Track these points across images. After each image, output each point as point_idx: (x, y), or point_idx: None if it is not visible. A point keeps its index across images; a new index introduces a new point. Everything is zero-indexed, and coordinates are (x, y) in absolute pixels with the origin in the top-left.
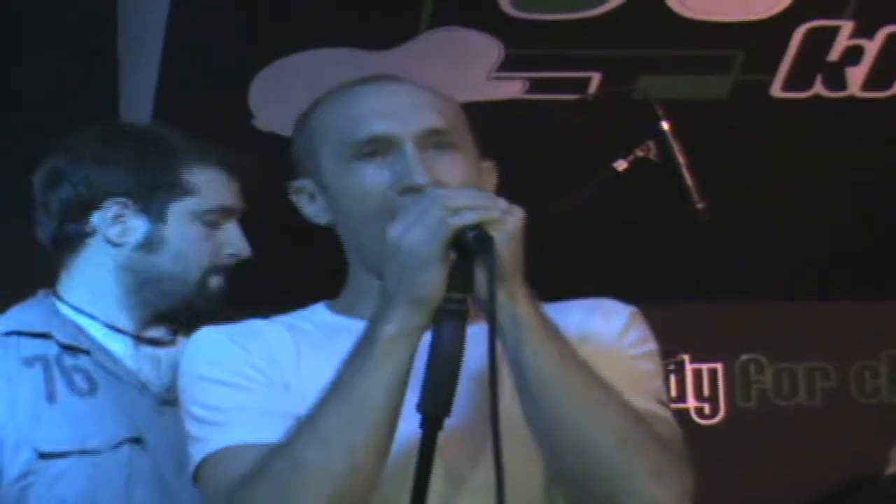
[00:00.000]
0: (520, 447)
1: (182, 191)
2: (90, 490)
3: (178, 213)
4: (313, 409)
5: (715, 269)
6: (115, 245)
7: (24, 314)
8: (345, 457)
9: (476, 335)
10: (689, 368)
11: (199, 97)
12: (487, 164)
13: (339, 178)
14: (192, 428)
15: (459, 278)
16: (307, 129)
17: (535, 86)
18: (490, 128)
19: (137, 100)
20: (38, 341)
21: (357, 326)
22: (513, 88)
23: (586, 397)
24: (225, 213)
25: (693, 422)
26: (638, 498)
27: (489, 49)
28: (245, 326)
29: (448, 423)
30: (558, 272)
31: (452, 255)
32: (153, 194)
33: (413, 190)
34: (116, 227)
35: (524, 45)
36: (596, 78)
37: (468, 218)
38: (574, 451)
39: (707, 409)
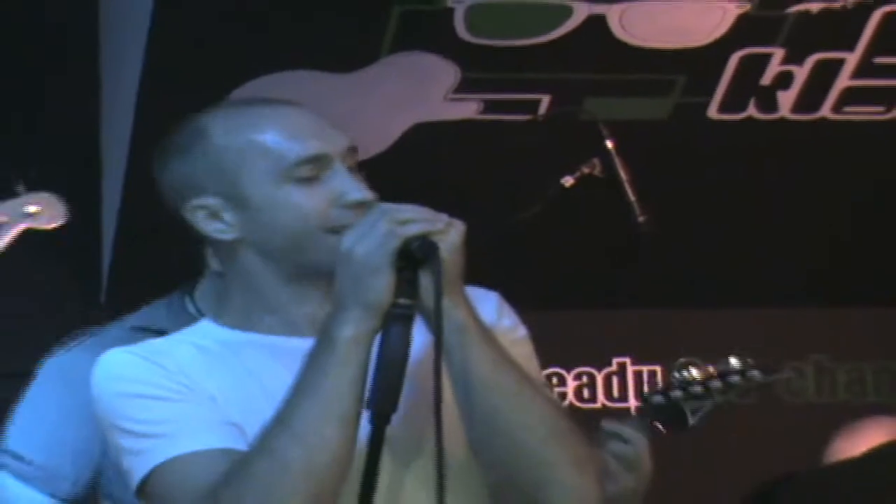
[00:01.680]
0: (458, 439)
1: None
2: None
3: None
4: (285, 411)
5: (655, 278)
6: None
7: (154, 311)
8: (324, 452)
9: (419, 333)
10: (630, 371)
11: (176, 113)
12: None
13: (271, 197)
14: (125, 442)
15: (406, 285)
16: (210, 147)
17: (489, 107)
18: (447, 146)
19: (118, 115)
20: (159, 337)
21: (258, 340)
22: (468, 109)
23: (517, 394)
24: None
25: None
26: (560, 485)
27: (446, 72)
28: (151, 346)
29: (393, 418)
30: (510, 280)
31: (399, 264)
32: None
33: (356, 205)
34: None
35: (479, 69)
36: (545, 100)
37: (415, 229)
38: (504, 443)
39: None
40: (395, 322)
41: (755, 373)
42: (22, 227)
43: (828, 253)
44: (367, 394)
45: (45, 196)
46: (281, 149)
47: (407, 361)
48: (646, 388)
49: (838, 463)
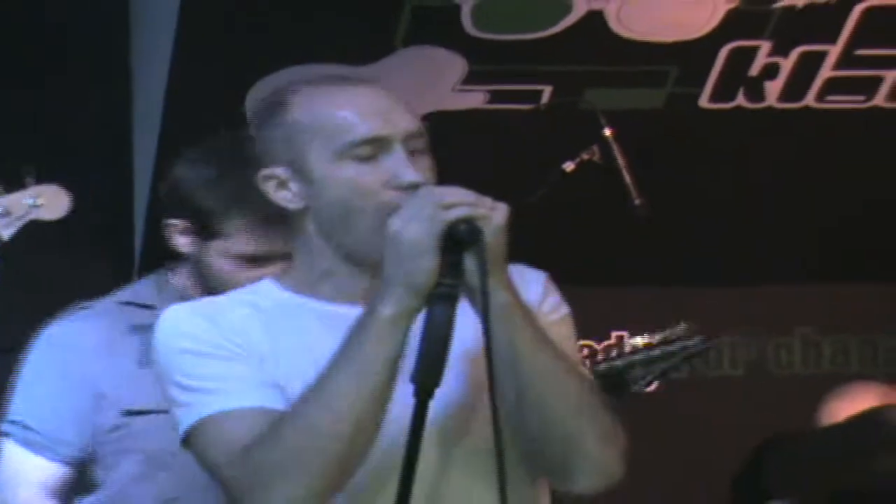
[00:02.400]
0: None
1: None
2: (169, 443)
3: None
4: (320, 380)
5: (650, 257)
6: None
7: (140, 287)
8: (352, 422)
9: (462, 315)
10: (627, 343)
11: (203, 104)
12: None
13: (330, 171)
14: (177, 395)
15: (451, 267)
16: (286, 120)
17: (495, 97)
18: (456, 133)
19: (149, 107)
20: (145, 311)
21: (317, 306)
22: (475, 99)
23: (552, 371)
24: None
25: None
26: (586, 457)
27: (454, 65)
28: (210, 304)
29: (439, 393)
30: (513, 258)
31: (445, 246)
32: None
33: (407, 187)
34: None
35: (485, 62)
36: (547, 90)
37: (460, 213)
38: (536, 416)
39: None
40: (439, 301)
41: (693, 341)
42: (29, 218)
43: (813, 233)
44: (411, 369)
45: (51, 188)
46: (343, 127)
47: (451, 338)
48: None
49: (825, 427)
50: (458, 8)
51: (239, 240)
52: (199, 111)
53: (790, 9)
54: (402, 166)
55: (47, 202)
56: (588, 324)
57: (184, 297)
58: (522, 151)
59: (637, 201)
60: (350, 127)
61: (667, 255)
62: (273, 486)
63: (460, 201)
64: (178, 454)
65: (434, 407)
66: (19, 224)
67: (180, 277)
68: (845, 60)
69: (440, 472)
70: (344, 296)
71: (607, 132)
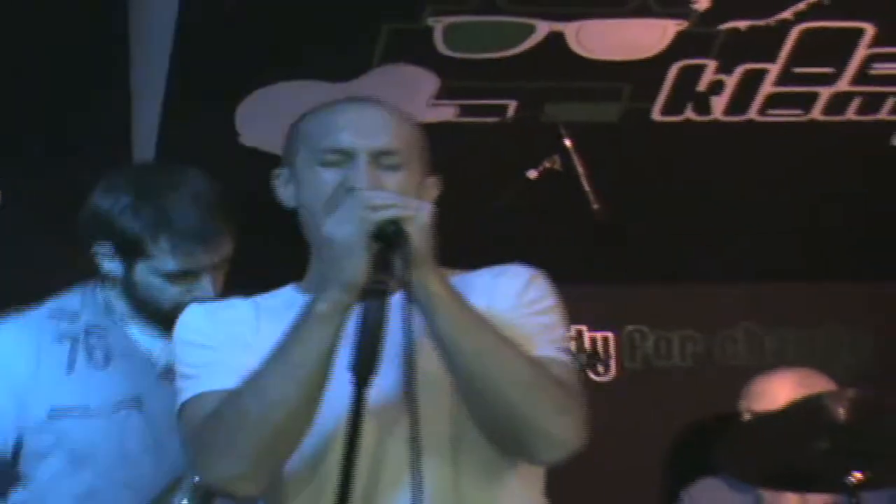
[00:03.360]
0: (432, 401)
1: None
2: (90, 444)
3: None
4: (259, 369)
5: (607, 257)
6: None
7: (68, 298)
8: (282, 409)
9: (395, 309)
10: (586, 336)
11: (197, 119)
12: (431, 180)
13: (306, 174)
14: (178, 381)
15: (381, 264)
16: (295, 131)
17: (465, 111)
18: (428, 145)
19: (146, 122)
20: (72, 321)
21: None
22: (447, 113)
23: (493, 353)
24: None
25: (590, 379)
26: (542, 433)
27: (427, 81)
28: (220, 302)
29: (376, 381)
30: (483, 259)
31: (375, 245)
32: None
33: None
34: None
35: (456, 79)
36: (512, 105)
37: (387, 214)
38: (487, 399)
39: (600, 368)
40: (371, 296)
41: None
42: None
43: (755, 236)
44: (349, 359)
45: None
46: (321, 136)
47: (384, 329)
48: (599, 351)
49: (770, 411)
50: (430, 29)
51: (163, 259)
52: (195, 122)
53: (734, 30)
54: (359, 174)
55: None
56: None
57: (108, 308)
58: (490, 161)
59: (595, 206)
60: (326, 135)
61: (621, 256)
62: (210, 464)
63: (387, 203)
64: (98, 454)
65: (373, 394)
66: None
67: (106, 290)
68: (784, 78)
69: (380, 453)
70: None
71: (567, 143)
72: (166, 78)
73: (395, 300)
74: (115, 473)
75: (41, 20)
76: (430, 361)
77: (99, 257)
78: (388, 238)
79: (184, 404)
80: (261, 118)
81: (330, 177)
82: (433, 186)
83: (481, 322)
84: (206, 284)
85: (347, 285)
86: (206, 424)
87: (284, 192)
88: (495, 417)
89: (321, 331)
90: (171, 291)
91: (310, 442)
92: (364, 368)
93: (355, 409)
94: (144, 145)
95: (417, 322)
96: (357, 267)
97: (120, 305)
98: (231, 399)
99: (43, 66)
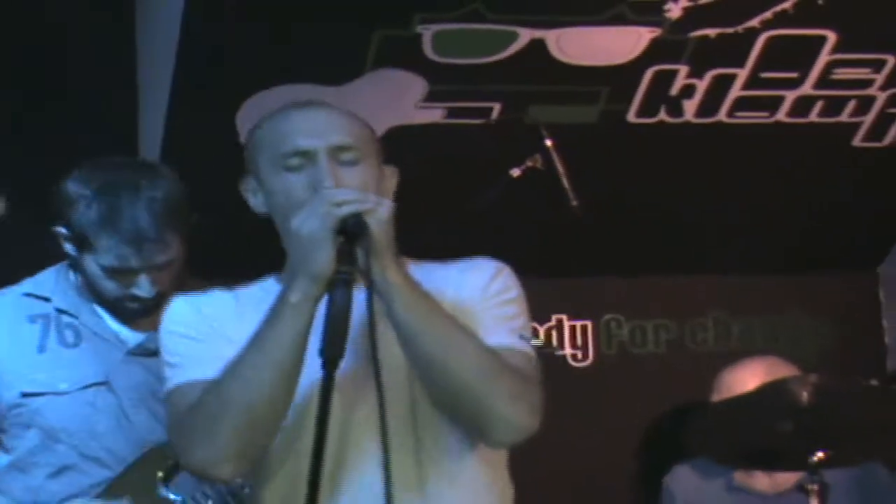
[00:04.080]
0: (392, 383)
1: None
2: (62, 420)
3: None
4: (237, 357)
5: (585, 250)
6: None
7: (42, 279)
8: (260, 392)
9: (360, 300)
10: (566, 325)
11: (200, 121)
12: (390, 169)
13: (271, 180)
14: (165, 370)
15: (346, 256)
16: (252, 140)
17: (451, 113)
18: (417, 145)
19: (152, 123)
20: (43, 302)
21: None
22: (434, 115)
23: (448, 340)
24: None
25: (569, 365)
26: (496, 417)
27: (416, 85)
28: (203, 294)
29: (342, 365)
30: (468, 252)
31: (339, 238)
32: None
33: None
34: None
35: (443, 82)
36: (497, 107)
37: (349, 209)
38: (443, 383)
39: (580, 355)
40: (337, 285)
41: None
42: None
43: (724, 230)
44: (318, 344)
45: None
46: (279, 141)
47: (349, 315)
48: (577, 339)
49: (737, 395)
50: (420, 36)
51: (103, 255)
52: (198, 123)
53: (704, 38)
54: (322, 174)
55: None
56: (532, 307)
57: (78, 291)
58: (475, 160)
59: (574, 202)
60: (283, 140)
61: (598, 249)
62: (192, 448)
63: (349, 199)
64: (71, 430)
65: (339, 376)
66: None
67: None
68: (752, 82)
69: (345, 434)
70: None
71: (548, 143)
72: (171, 81)
73: (359, 290)
74: (88, 449)
75: (52, 29)
76: (391, 346)
77: (59, 238)
78: (350, 231)
79: (169, 393)
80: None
81: (295, 179)
82: (392, 176)
83: (438, 310)
84: (143, 283)
85: (315, 276)
86: (188, 412)
87: (254, 200)
88: (452, 401)
89: (293, 319)
90: (110, 285)
91: (286, 423)
92: (332, 353)
93: (324, 390)
94: (150, 145)
95: (380, 310)
96: (323, 259)
97: None
98: (212, 387)
99: (56, 66)
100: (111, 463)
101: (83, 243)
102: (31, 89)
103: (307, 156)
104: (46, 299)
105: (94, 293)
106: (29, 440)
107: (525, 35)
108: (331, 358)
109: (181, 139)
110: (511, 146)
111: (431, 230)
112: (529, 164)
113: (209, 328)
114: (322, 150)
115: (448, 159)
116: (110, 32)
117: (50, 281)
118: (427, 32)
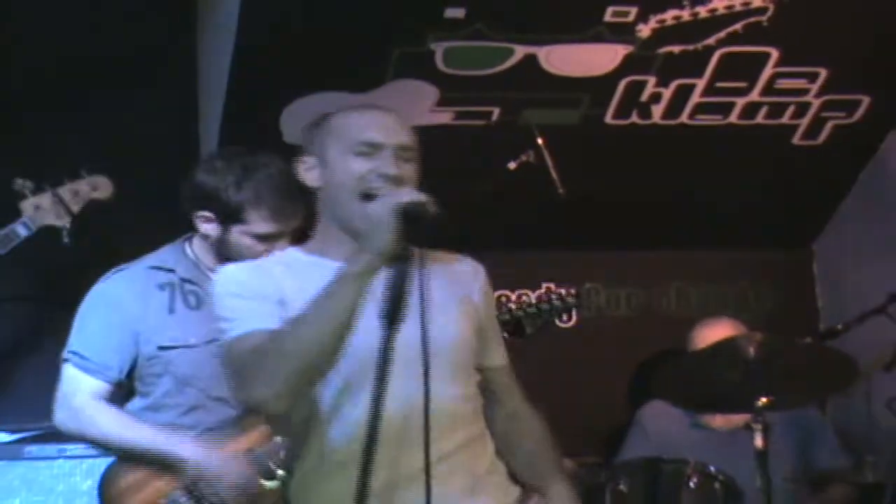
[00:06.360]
0: (446, 344)
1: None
2: (191, 368)
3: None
4: (299, 315)
5: (571, 229)
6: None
7: (163, 254)
8: (317, 347)
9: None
10: (545, 291)
11: (249, 122)
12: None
13: (339, 161)
14: (220, 325)
15: (407, 236)
16: (323, 127)
17: (459, 116)
18: (431, 143)
19: (210, 126)
20: (168, 273)
21: (326, 263)
22: (444, 117)
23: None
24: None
25: (556, 326)
26: None
27: (430, 93)
28: (253, 262)
29: (402, 330)
30: (473, 233)
31: (401, 223)
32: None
33: (389, 178)
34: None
35: (452, 90)
36: (496, 111)
37: (410, 198)
38: None
39: (565, 317)
40: (398, 261)
41: (571, 299)
42: (89, 198)
43: (685, 212)
44: (380, 310)
45: (101, 178)
46: (354, 132)
47: (408, 285)
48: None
49: (696, 350)
50: (433, 52)
51: (258, 224)
52: (248, 124)
53: (669, 53)
54: (388, 164)
55: (101, 187)
56: (520, 278)
57: (196, 263)
58: (479, 154)
59: (560, 189)
60: (359, 131)
61: (580, 228)
62: (253, 388)
63: (410, 195)
64: (199, 376)
65: (398, 337)
66: (82, 203)
67: (194, 247)
68: (709, 90)
69: (398, 383)
70: (339, 255)
71: (539, 141)
72: (225, 90)
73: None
74: (211, 391)
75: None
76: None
77: (198, 222)
78: (411, 217)
79: (229, 342)
80: (299, 121)
81: (360, 164)
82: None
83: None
84: (284, 244)
85: (381, 252)
86: (251, 358)
87: (309, 175)
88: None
89: (353, 287)
90: (259, 249)
91: (345, 374)
92: (394, 316)
93: (385, 348)
94: (210, 142)
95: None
96: (389, 239)
97: (208, 260)
98: (274, 337)
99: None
100: (229, 402)
101: (234, 219)
102: (123, 99)
103: (376, 147)
104: (171, 270)
105: (234, 259)
106: (163, 385)
107: (520, 51)
108: (392, 321)
109: (234, 137)
110: (508, 143)
111: (441, 213)
112: (523, 158)
113: (262, 288)
114: (390, 146)
115: (455, 155)
116: (177, 56)
117: (171, 255)
118: (439, 49)
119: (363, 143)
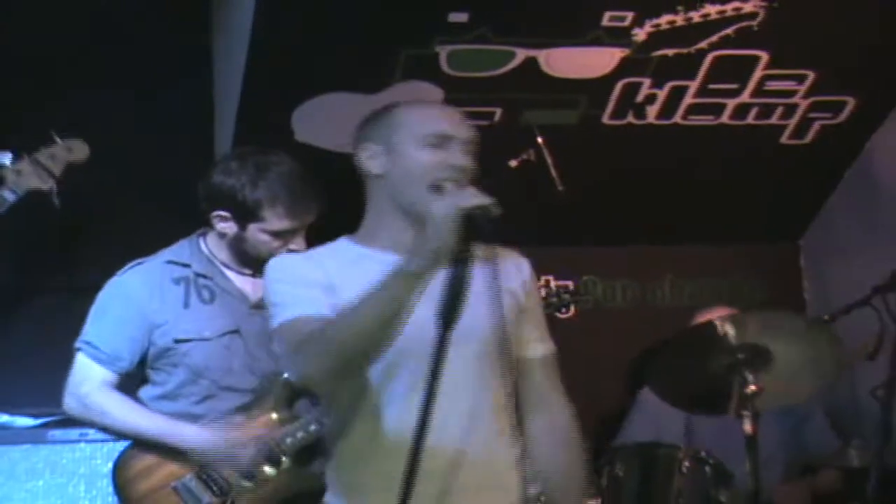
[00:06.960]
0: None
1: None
2: (205, 360)
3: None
4: (352, 305)
5: (568, 225)
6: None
7: (179, 249)
8: (366, 336)
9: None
10: (553, 284)
11: (262, 120)
12: None
13: (407, 151)
14: (272, 309)
15: (468, 239)
16: (390, 118)
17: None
18: None
19: (225, 123)
20: (183, 268)
21: (374, 254)
22: None
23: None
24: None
25: (555, 317)
26: None
27: (435, 93)
28: (306, 252)
29: (459, 326)
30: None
31: (464, 225)
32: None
33: (458, 168)
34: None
35: (456, 91)
36: (499, 111)
37: (474, 202)
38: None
39: (563, 308)
40: (459, 261)
41: (570, 295)
42: (66, 161)
43: (680, 208)
44: (437, 307)
45: (76, 141)
46: (426, 123)
47: (466, 286)
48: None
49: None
50: (438, 55)
51: (274, 221)
52: (261, 123)
53: (664, 56)
54: (457, 155)
55: (76, 149)
56: None
57: (210, 259)
58: (482, 153)
59: (560, 187)
60: (430, 123)
61: (579, 223)
62: (305, 368)
63: (476, 197)
64: (212, 368)
65: (455, 333)
66: (62, 165)
67: (208, 243)
68: (701, 92)
69: (455, 373)
70: (395, 246)
71: (540, 140)
72: (240, 89)
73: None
74: (224, 382)
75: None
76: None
77: (215, 220)
78: (475, 220)
79: (283, 325)
80: (310, 120)
81: (428, 155)
82: None
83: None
84: (299, 240)
85: (441, 253)
86: (306, 340)
87: (371, 163)
88: None
89: (408, 284)
90: (275, 245)
91: (397, 362)
92: (450, 316)
93: (441, 346)
94: (224, 142)
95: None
96: (450, 240)
97: (222, 255)
98: (329, 323)
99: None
100: (242, 392)
101: (251, 217)
102: (142, 102)
103: (446, 139)
104: (186, 265)
105: (247, 256)
106: (177, 376)
107: (521, 54)
108: (448, 321)
109: (248, 136)
110: (510, 143)
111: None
112: (524, 157)
113: (307, 276)
114: (459, 139)
115: None
116: (194, 58)
117: (186, 250)
118: (444, 52)
119: (435, 135)
